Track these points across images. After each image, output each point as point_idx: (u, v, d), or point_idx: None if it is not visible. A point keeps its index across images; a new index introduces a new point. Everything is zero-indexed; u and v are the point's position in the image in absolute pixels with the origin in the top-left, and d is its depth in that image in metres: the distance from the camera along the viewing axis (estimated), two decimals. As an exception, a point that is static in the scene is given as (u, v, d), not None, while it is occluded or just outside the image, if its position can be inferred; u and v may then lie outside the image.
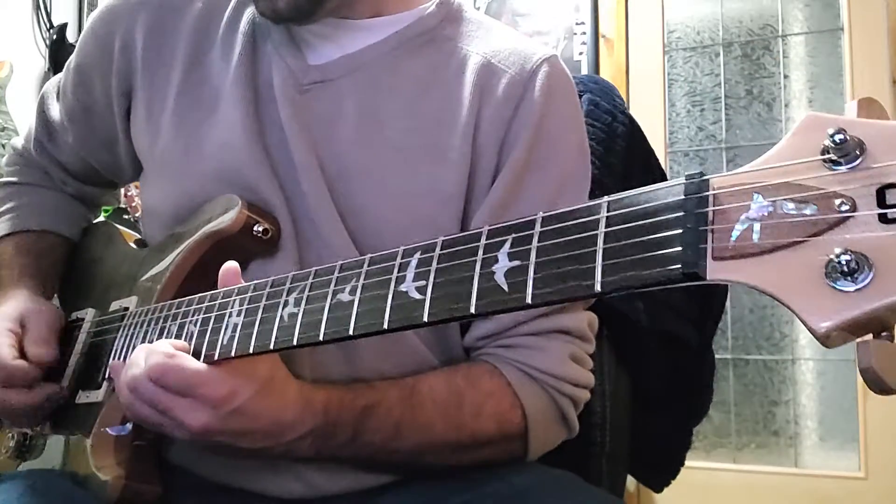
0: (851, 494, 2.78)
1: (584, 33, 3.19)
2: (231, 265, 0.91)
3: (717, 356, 1.63)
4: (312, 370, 0.99)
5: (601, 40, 3.18)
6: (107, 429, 1.00)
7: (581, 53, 3.19)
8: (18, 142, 1.40)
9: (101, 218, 2.48)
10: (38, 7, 3.29)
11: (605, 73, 3.09)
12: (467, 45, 1.11)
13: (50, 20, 3.30)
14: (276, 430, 0.87)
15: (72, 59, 1.25)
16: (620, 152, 1.50)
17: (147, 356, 0.86)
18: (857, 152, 0.43)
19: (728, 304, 1.59)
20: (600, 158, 1.46)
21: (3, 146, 2.55)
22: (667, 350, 1.48)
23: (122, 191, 1.83)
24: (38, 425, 1.18)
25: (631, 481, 1.69)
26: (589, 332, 1.09)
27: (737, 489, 2.92)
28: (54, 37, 3.22)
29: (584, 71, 3.10)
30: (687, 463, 1.62)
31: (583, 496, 0.96)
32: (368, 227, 1.01)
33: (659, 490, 1.65)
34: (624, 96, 1.58)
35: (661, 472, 1.63)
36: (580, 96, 1.51)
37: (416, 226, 1.02)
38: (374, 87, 1.07)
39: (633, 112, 1.56)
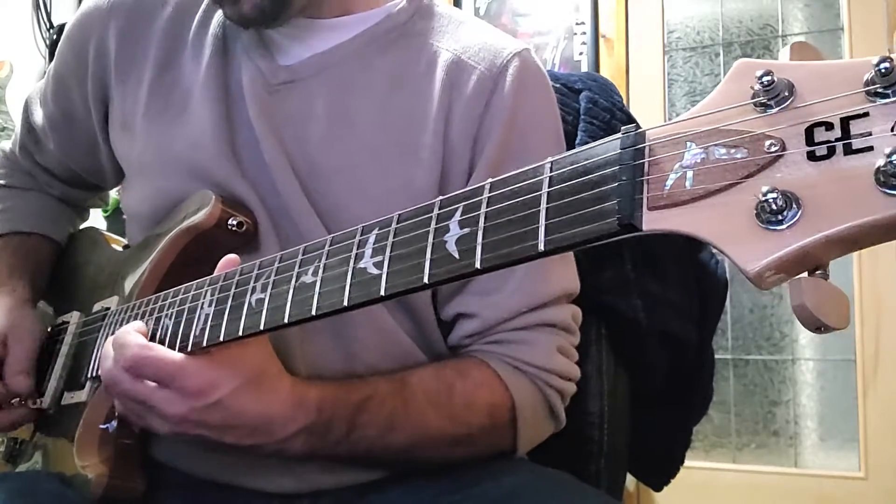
0: (851, 494, 2.77)
1: (584, 33, 3.20)
2: (231, 258, 0.90)
3: (717, 356, 1.61)
4: (306, 366, 0.99)
5: (601, 40, 3.19)
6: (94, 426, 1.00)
7: (581, 53, 3.19)
8: (6, 145, 1.41)
9: (101, 219, 2.49)
10: (38, 7, 3.29)
11: (605, 73, 3.08)
12: (437, 41, 1.10)
13: (50, 20, 3.30)
14: (265, 427, 0.86)
15: (51, 67, 1.26)
16: (619, 150, 1.49)
17: (120, 348, 0.86)
18: (787, 94, 0.43)
19: (728, 303, 1.58)
20: (600, 156, 1.45)
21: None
22: (666, 349, 1.47)
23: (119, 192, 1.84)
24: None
25: (631, 480, 1.68)
26: (573, 324, 1.09)
27: (737, 489, 2.91)
28: (54, 37, 3.20)
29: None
30: (687, 463, 1.60)
31: (576, 496, 0.96)
32: (343, 225, 1.00)
33: (658, 489, 1.63)
34: (624, 96, 1.58)
35: (661, 472, 1.62)
36: (578, 93, 1.51)
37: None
38: (344, 86, 1.06)
39: (633, 112, 1.55)
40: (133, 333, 0.87)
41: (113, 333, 1.03)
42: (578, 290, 1.10)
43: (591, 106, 1.50)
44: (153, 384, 0.84)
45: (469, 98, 1.05)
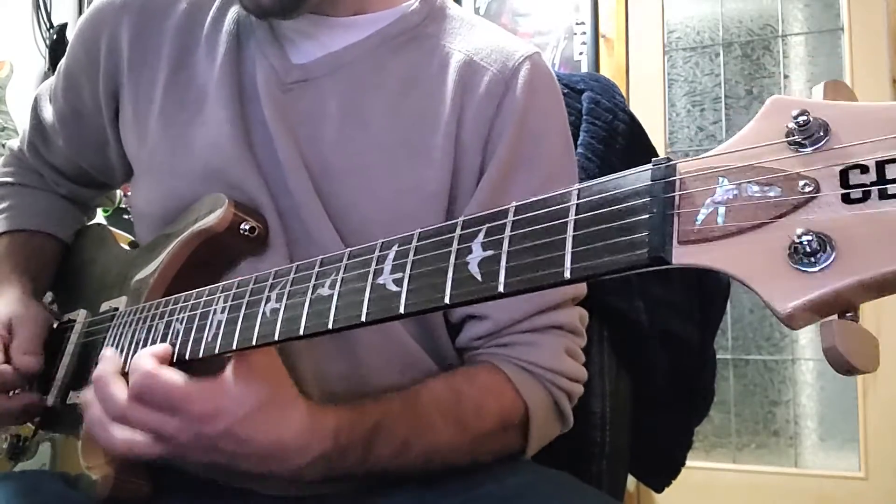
0: (851, 494, 2.78)
1: (584, 33, 3.20)
2: None
3: (717, 356, 1.62)
4: (312, 370, 0.99)
5: (601, 40, 3.19)
6: None
7: (581, 53, 3.19)
8: (15, 143, 1.40)
9: (101, 218, 2.49)
10: (38, 7, 3.27)
11: (605, 73, 3.08)
12: (450, 43, 1.11)
13: (50, 20, 3.29)
14: (278, 455, 0.85)
15: (62, 63, 1.25)
16: (621, 150, 1.50)
17: (130, 375, 0.85)
18: (822, 134, 0.43)
19: (728, 303, 1.58)
20: (601, 156, 1.45)
21: (3, 146, 2.56)
22: (668, 350, 1.47)
23: (122, 191, 1.83)
24: (16, 425, 1.19)
25: (631, 481, 1.68)
26: (580, 326, 1.10)
27: (737, 489, 2.92)
28: (54, 37, 3.21)
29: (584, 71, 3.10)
30: (687, 463, 1.61)
31: (578, 496, 0.96)
32: (355, 226, 1.01)
33: (660, 490, 1.64)
34: (624, 96, 1.58)
35: (662, 472, 1.62)
36: (581, 94, 1.51)
37: (401, 224, 1.00)
38: (357, 86, 1.07)
39: (634, 112, 1.55)
40: (145, 358, 0.86)
41: (121, 334, 1.03)
42: (585, 292, 1.11)
43: (593, 107, 1.50)
44: (162, 412, 0.83)
45: (481, 99, 1.05)
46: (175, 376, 0.84)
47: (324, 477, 0.91)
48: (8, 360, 1.11)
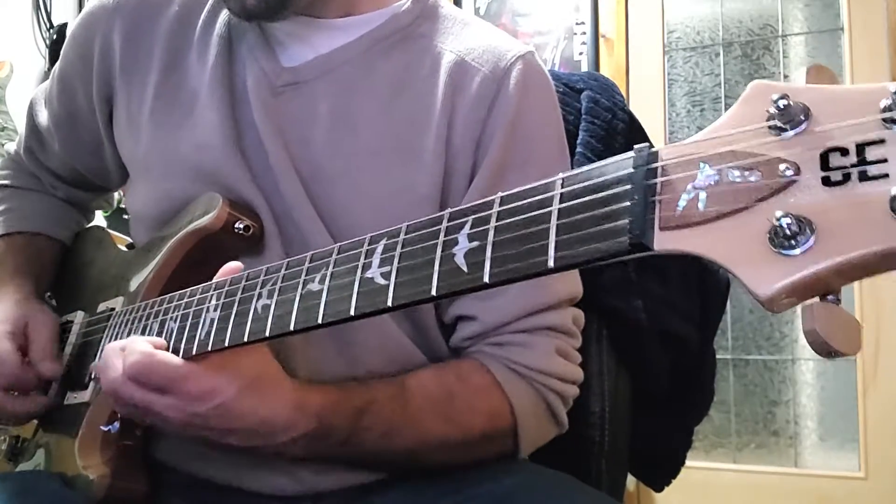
0: (851, 494, 2.77)
1: (584, 33, 3.20)
2: (233, 265, 0.90)
3: (717, 356, 1.61)
4: (308, 369, 0.99)
5: (601, 40, 3.18)
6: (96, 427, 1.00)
7: (581, 53, 3.19)
8: (12, 147, 1.41)
9: (102, 219, 2.50)
10: (38, 7, 3.28)
11: (605, 73, 3.07)
12: (442, 43, 1.10)
13: (50, 20, 3.29)
14: (266, 431, 0.87)
15: (56, 67, 1.26)
16: (620, 149, 1.48)
17: (125, 357, 0.86)
18: (802, 117, 0.43)
19: (728, 303, 1.57)
20: (600, 156, 1.44)
21: (3, 146, 2.56)
22: (667, 349, 1.46)
23: (121, 192, 1.84)
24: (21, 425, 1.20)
25: (631, 481, 1.68)
26: (574, 327, 1.08)
27: (737, 489, 2.92)
28: (54, 37, 3.20)
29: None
30: (687, 463, 1.60)
31: (576, 496, 0.96)
32: (347, 228, 1.00)
33: (659, 490, 1.63)
34: (624, 96, 1.57)
35: (662, 472, 1.62)
36: (580, 93, 1.51)
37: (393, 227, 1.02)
38: (348, 89, 1.06)
39: (634, 112, 1.55)
40: (140, 341, 0.88)
41: (118, 334, 1.04)
42: (581, 293, 1.10)
43: (592, 105, 1.49)
44: (155, 392, 0.85)
45: (472, 101, 1.04)
46: (170, 357, 0.86)
47: (307, 455, 0.92)
48: (26, 362, 1.13)
